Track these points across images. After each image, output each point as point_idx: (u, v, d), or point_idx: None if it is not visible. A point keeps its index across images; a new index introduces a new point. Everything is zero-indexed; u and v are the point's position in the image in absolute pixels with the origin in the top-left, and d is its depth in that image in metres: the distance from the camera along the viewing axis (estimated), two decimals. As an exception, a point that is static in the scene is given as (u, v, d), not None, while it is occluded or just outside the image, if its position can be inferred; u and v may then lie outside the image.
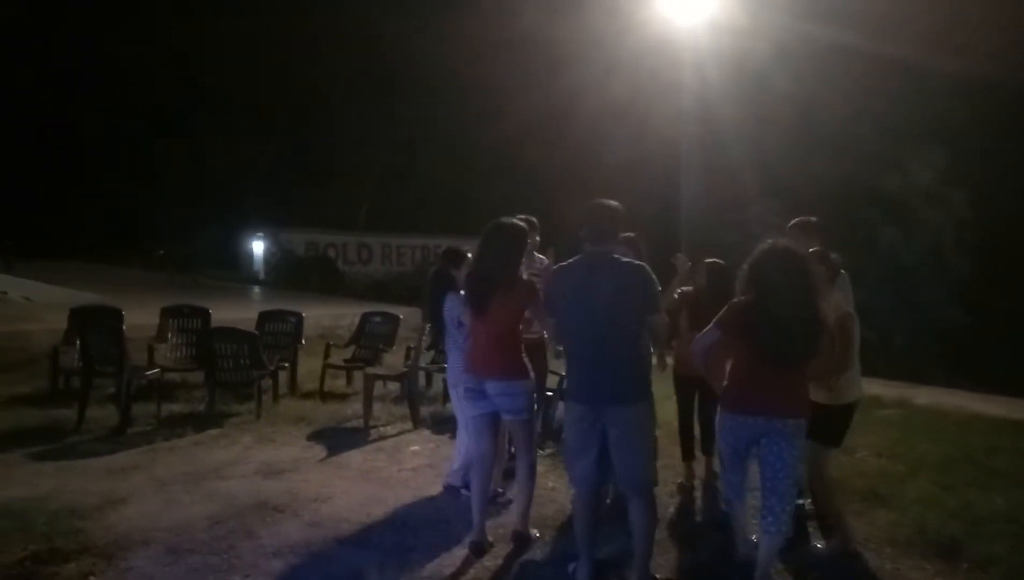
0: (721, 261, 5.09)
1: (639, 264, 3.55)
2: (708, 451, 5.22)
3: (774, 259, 3.44)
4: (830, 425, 3.90)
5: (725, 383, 3.62)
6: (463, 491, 4.69)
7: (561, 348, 3.90)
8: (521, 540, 4.03)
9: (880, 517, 4.58)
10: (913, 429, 6.83)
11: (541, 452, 5.57)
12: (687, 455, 5.27)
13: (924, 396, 8.47)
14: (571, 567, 3.68)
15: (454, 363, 4.67)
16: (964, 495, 4.94)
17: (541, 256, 5.22)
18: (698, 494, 5.13)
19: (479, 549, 3.93)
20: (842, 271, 4.33)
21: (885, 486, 5.08)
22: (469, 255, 4.65)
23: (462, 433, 4.76)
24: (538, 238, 5.18)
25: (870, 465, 5.64)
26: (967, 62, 14.79)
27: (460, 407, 4.65)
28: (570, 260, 3.65)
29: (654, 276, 3.52)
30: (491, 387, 3.86)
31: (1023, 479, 5.32)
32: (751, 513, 4.07)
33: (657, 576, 3.68)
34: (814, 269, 3.54)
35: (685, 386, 5.19)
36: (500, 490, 4.72)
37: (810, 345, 3.41)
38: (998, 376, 10.27)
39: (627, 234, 4.30)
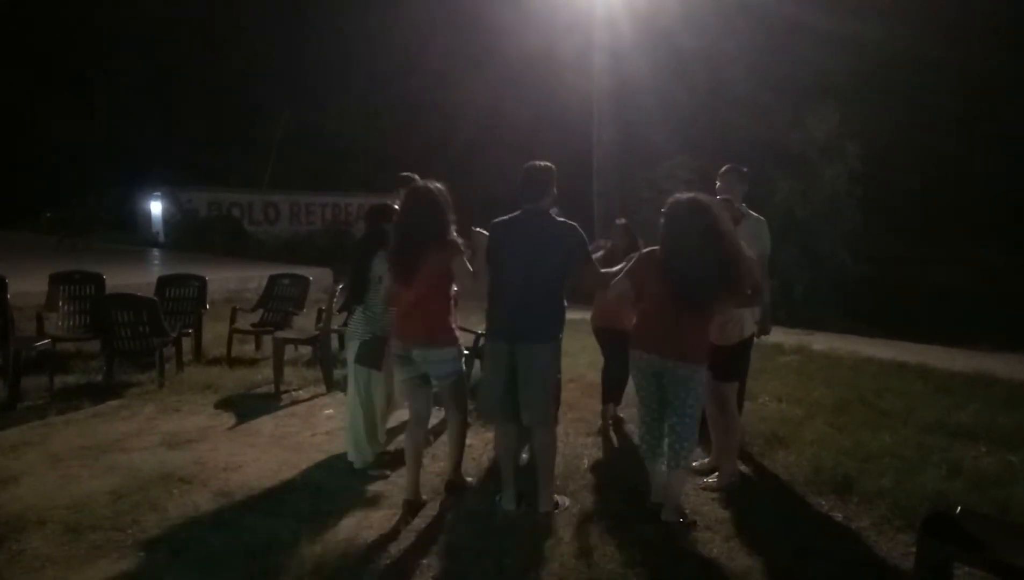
0: (625, 221, 5.66)
1: (570, 223, 3.87)
2: (615, 399, 5.55)
3: (681, 210, 3.68)
4: (725, 362, 4.22)
5: (636, 322, 3.93)
6: (371, 473, 4.58)
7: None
8: (455, 488, 4.17)
9: (780, 458, 4.85)
10: (810, 374, 7.23)
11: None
12: (606, 400, 5.53)
13: (821, 342, 8.96)
14: (497, 496, 4.05)
15: (356, 321, 4.58)
16: (856, 435, 5.28)
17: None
18: (610, 438, 5.31)
19: (413, 507, 3.95)
20: (759, 217, 4.72)
21: (784, 429, 5.36)
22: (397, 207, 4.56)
23: (355, 406, 4.63)
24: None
25: (771, 409, 5.94)
26: (873, 25, 15.44)
27: (350, 369, 4.62)
28: (509, 215, 3.95)
29: (583, 233, 3.86)
30: (417, 354, 3.85)
31: (908, 417, 5.73)
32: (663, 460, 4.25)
33: (558, 499, 4.04)
34: (721, 215, 3.71)
35: (601, 337, 5.51)
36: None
37: (710, 291, 3.64)
38: (889, 321, 10.97)
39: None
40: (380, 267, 4.45)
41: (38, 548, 3.51)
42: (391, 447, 4.84)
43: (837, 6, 15.69)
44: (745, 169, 4.94)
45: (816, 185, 16.27)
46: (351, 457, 4.66)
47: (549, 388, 3.90)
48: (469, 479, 4.38)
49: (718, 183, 4.87)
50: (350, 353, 4.63)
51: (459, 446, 4.22)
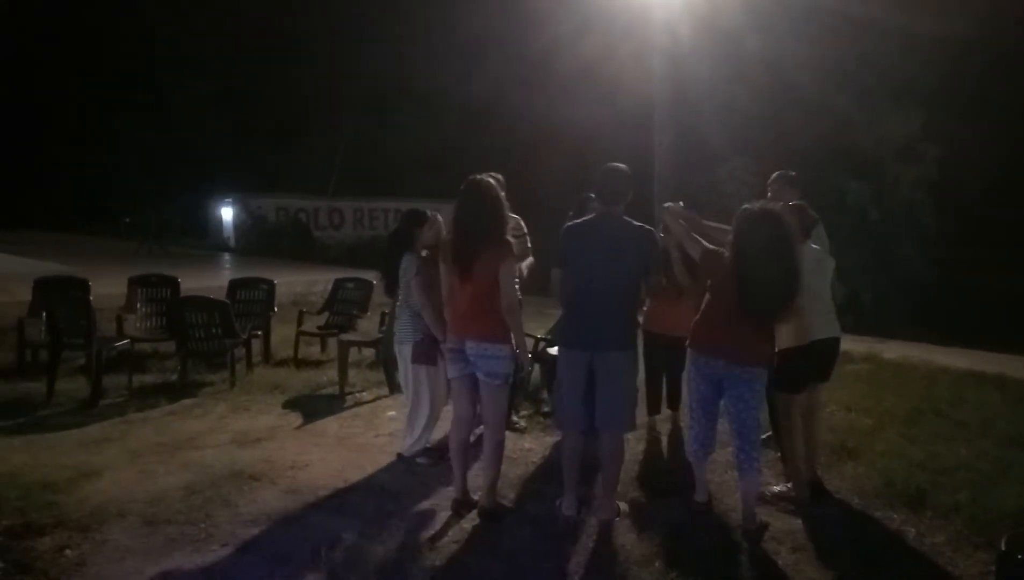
0: (671, 204, 5.33)
1: (647, 228, 3.80)
2: (675, 406, 5.49)
3: (753, 221, 3.61)
4: (787, 369, 4.04)
5: (696, 323, 3.86)
6: (419, 460, 4.73)
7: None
8: (488, 515, 3.93)
9: (849, 469, 4.71)
10: (881, 383, 6.99)
11: (515, 416, 5.62)
12: (652, 409, 5.46)
13: (892, 350, 8.65)
14: (558, 502, 3.99)
15: (405, 324, 4.68)
16: (929, 446, 5.09)
17: (515, 216, 5.15)
18: (664, 446, 5.27)
19: (461, 507, 3.99)
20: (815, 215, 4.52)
21: (854, 439, 5.21)
22: (428, 214, 4.72)
23: (419, 400, 4.73)
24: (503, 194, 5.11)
25: (840, 419, 5.77)
26: (940, 21, 14.84)
27: (408, 370, 4.70)
28: (583, 218, 3.97)
29: (657, 239, 3.86)
30: (471, 348, 3.83)
31: (986, 429, 5.48)
32: (711, 467, 4.23)
33: (620, 505, 4.00)
34: (793, 229, 3.65)
35: (653, 343, 5.35)
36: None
37: (780, 303, 3.58)
38: (964, 329, 10.51)
39: None
40: (408, 269, 4.55)
41: (119, 539, 3.68)
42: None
43: (910, 3, 15.13)
44: (793, 173, 4.86)
45: (891, 188, 15.73)
46: (402, 447, 4.82)
47: (628, 397, 3.84)
48: (506, 503, 4.13)
49: (768, 192, 4.78)
50: (403, 357, 4.74)
51: (495, 466, 3.95)
